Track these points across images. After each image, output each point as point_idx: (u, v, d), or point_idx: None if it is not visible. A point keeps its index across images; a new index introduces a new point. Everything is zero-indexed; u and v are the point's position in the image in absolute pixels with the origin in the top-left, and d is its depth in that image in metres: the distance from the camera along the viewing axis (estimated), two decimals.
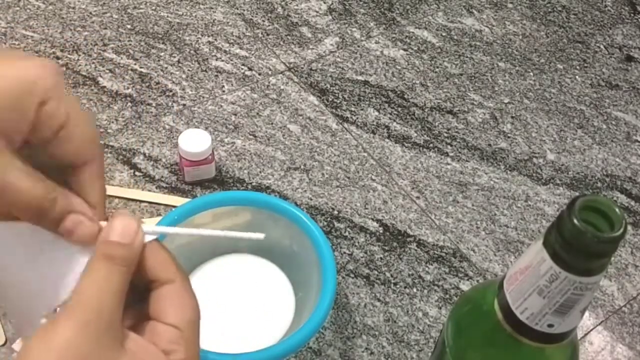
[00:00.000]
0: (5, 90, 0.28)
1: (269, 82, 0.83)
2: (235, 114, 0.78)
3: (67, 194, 0.31)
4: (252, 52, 0.86)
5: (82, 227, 0.31)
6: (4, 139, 0.28)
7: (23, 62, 0.29)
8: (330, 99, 0.81)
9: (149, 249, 0.32)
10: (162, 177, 0.70)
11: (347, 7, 0.96)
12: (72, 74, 0.80)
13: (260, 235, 0.34)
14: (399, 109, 0.82)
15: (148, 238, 0.32)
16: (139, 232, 0.31)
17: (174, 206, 0.67)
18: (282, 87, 0.82)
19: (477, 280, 0.65)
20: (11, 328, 0.57)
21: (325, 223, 0.68)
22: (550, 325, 0.34)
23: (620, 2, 1.03)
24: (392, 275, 0.65)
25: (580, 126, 0.83)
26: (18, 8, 0.88)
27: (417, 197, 0.72)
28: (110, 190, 0.68)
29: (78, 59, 0.82)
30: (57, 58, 0.82)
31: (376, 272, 0.65)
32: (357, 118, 0.80)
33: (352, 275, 0.64)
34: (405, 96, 0.83)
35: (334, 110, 0.80)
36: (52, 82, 0.30)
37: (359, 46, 0.90)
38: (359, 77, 0.85)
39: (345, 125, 0.79)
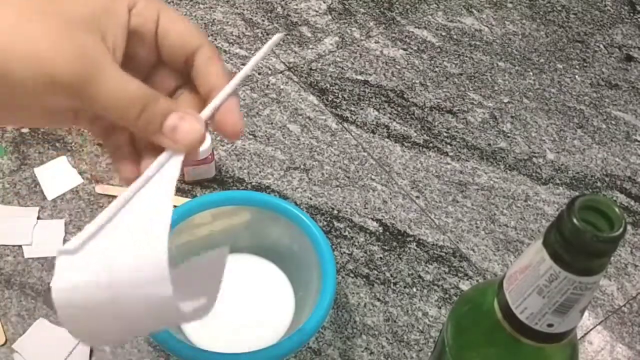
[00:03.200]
0: (88, 4, 0.29)
1: (269, 82, 0.83)
2: None
3: (169, 99, 0.30)
4: (252, 52, 0.86)
5: (184, 123, 0.29)
6: (105, 45, 0.28)
7: None
8: (330, 99, 0.81)
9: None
10: None
11: (346, 6, 0.96)
12: None
13: (279, 35, 0.33)
14: (399, 108, 0.82)
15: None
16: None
17: (174, 206, 0.67)
18: (281, 86, 0.82)
19: (477, 280, 0.65)
20: (11, 328, 0.57)
21: (325, 223, 0.68)
22: (549, 325, 0.34)
23: (620, 2, 1.03)
24: (391, 275, 0.65)
25: (580, 126, 0.83)
26: None
27: (417, 197, 0.72)
28: (111, 190, 0.68)
29: None
30: None
31: (376, 272, 0.65)
32: (357, 118, 0.80)
33: (351, 275, 0.64)
34: (405, 96, 0.83)
35: (333, 110, 0.80)
36: None
37: (358, 46, 0.90)
38: (359, 77, 0.85)
39: (345, 124, 0.79)
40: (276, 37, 0.32)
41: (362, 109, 0.81)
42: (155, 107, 0.29)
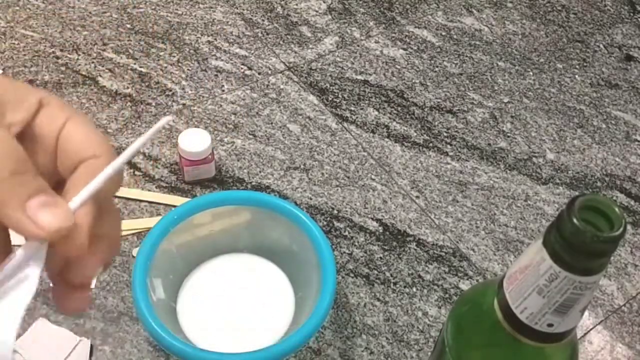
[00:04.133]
0: (6, 88, 0.27)
1: (269, 82, 0.83)
2: (235, 114, 0.78)
3: (44, 182, 0.27)
4: (252, 52, 0.86)
5: (53, 207, 0.26)
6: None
7: (23, 83, 0.29)
8: (329, 99, 0.81)
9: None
10: (162, 176, 0.70)
11: (346, 6, 0.96)
12: (71, 73, 0.80)
13: (167, 118, 0.30)
14: (399, 108, 0.82)
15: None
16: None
17: (173, 206, 0.67)
18: (281, 86, 0.82)
19: (477, 280, 0.65)
20: None
21: (325, 222, 0.68)
22: (549, 325, 0.34)
23: (620, 2, 1.03)
24: (391, 275, 0.65)
25: (579, 125, 0.83)
26: (18, 7, 0.88)
27: (417, 197, 0.72)
28: None
29: (78, 59, 0.82)
30: (57, 57, 0.82)
31: (376, 272, 0.65)
32: (357, 117, 0.80)
33: (351, 275, 0.64)
34: (405, 95, 0.83)
35: (333, 110, 0.80)
36: (50, 96, 0.29)
37: (358, 45, 0.90)
38: (359, 77, 0.85)
39: (345, 124, 0.79)
40: (163, 121, 0.30)
41: (362, 108, 0.81)
42: (24, 178, 0.26)
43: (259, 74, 0.83)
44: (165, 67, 0.83)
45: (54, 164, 0.29)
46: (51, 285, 0.29)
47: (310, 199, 0.70)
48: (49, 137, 0.29)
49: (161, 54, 0.84)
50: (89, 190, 0.27)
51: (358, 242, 0.67)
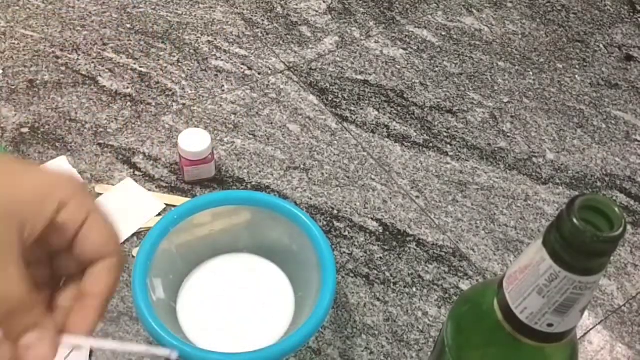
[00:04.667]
0: (27, 189, 0.30)
1: (269, 82, 0.83)
2: (235, 114, 0.78)
3: (42, 313, 0.31)
4: (252, 52, 0.86)
5: (39, 346, 0.30)
6: (19, 232, 0.29)
7: (41, 174, 0.32)
8: (329, 99, 0.81)
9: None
10: (162, 176, 0.70)
11: (346, 6, 0.96)
12: (71, 73, 0.80)
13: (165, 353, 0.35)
14: (399, 108, 0.82)
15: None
16: None
17: (173, 206, 0.67)
18: (281, 86, 0.82)
19: (477, 280, 0.65)
20: None
21: (325, 222, 0.68)
22: (549, 325, 0.34)
23: (620, 2, 1.03)
24: (391, 275, 0.65)
25: (579, 125, 0.83)
26: (18, 7, 0.88)
27: (417, 197, 0.72)
28: (110, 189, 0.68)
29: (78, 59, 0.82)
30: (57, 57, 0.82)
31: (376, 272, 0.65)
32: (357, 117, 0.80)
33: (351, 275, 0.64)
34: (405, 95, 0.83)
35: (333, 110, 0.80)
36: (71, 188, 0.32)
37: (358, 45, 0.90)
38: (359, 77, 0.85)
39: (345, 124, 0.79)
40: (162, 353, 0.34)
41: (362, 108, 0.81)
42: (22, 317, 0.30)
43: (259, 74, 0.83)
44: (165, 67, 0.83)
45: (68, 246, 0.32)
46: None
47: (310, 199, 0.70)
48: (68, 234, 0.32)
49: (161, 54, 0.84)
50: (85, 341, 0.32)
51: (358, 242, 0.67)
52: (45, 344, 0.31)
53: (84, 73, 0.80)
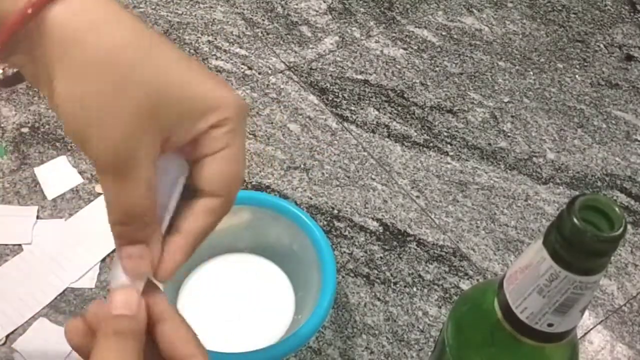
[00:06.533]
0: (192, 98, 0.29)
1: (269, 82, 0.82)
2: None
3: (158, 228, 0.30)
4: (252, 52, 0.86)
5: (138, 261, 0.30)
6: (163, 138, 0.28)
7: (214, 84, 0.30)
8: (330, 98, 0.81)
9: (169, 325, 0.31)
10: None
11: (346, 6, 0.96)
12: None
13: None
14: (399, 108, 0.82)
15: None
16: (142, 302, 0.30)
17: None
18: (282, 86, 0.82)
19: (477, 280, 0.65)
20: (9, 328, 0.57)
21: (325, 222, 0.68)
22: (550, 325, 0.34)
23: (620, 2, 1.03)
24: (392, 275, 0.65)
25: (580, 125, 0.83)
26: None
27: (417, 197, 0.72)
28: None
29: None
30: None
31: (376, 272, 0.65)
32: (357, 117, 0.80)
33: (352, 275, 0.64)
34: (405, 95, 0.83)
35: (333, 110, 0.80)
36: (233, 113, 0.30)
37: (358, 45, 0.90)
38: (359, 76, 0.85)
39: (345, 124, 0.79)
40: None
41: (362, 108, 0.81)
42: (137, 228, 0.29)
43: (259, 73, 0.83)
44: None
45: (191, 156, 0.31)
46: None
47: (311, 198, 0.70)
48: (198, 153, 0.30)
49: None
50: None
51: (358, 241, 0.67)
52: (144, 263, 0.30)
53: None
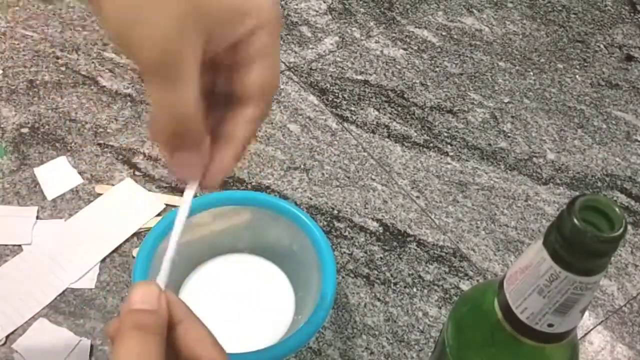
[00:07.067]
0: (232, 1, 0.29)
1: None
2: None
3: (207, 136, 0.30)
4: None
5: (188, 168, 0.30)
6: (204, 45, 0.28)
7: None
8: (330, 99, 0.81)
9: (186, 326, 0.30)
10: (162, 176, 0.70)
11: (346, 6, 0.95)
12: (71, 73, 0.80)
13: None
14: (399, 108, 0.82)
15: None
16: (162, 295, 0.30)
17: (173, 206, 0.67)
18: (281, 86, 0.82)
19: (477, 280, 0.65)
20: (9, 328, 0.57)
21: (325, 223, 0.68)
22: (550, 325, 0.34)
23: (620, 2, 1.03)
24: (392, 275, 0.65)
25: (580, 126, 0.83)
26: (18, 8, 0.88)
27: (417, 197, 0.72)
28: (110, 190, 0.68)
29: (78, 59, 0.82)
30: (57, 57, 0.82)
31: (376, 272, 0.65)
32: (357, 118, 0.80)
33: (352, 275, 0.64)
34: (405, 96, 0.83)
35: (333, 110, 0.80)
36: (271, 19, 0.30)
37: (358, 46, 0.90)
38: (359, 77, 0.85)
39: (345, 124, 0.79)
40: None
41: (362, 109, 0.81)
42: (187, 135, 0.29)
43: None
44: None
45: (227, 71, 0.31)
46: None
47: (311, 199, 0.70)
48: (239, 59, 0.31)
49: None
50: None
51: (358, 242, 0.67)
52: (195, 170, 0.30)
53: (84, 73, 0.80)
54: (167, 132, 0.29)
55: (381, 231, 0.68)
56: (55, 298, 0.59)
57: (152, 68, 0.28)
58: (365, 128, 0.78)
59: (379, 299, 0.63)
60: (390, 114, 0.81)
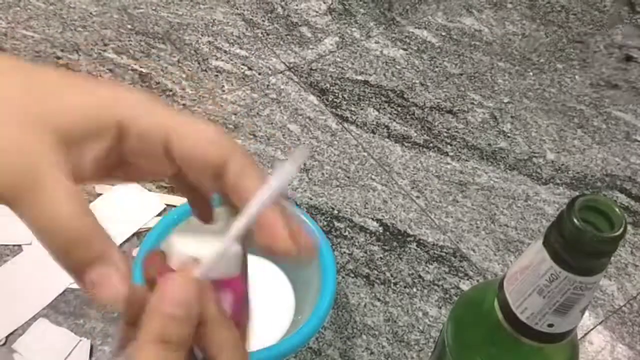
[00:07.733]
0: (84, 105, 0.26)
1: (269, 82, 0.83)
2: (235, 114, 0.78)
3: (108, 240, 0.26)
4: (252, 52, 0.86)
5: (109, 285, 0.25)
6: (68, 148, 0.25)
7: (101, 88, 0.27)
8: (330, 99, 0.81)
9: (209, 328, 0.26)
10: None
11: (346, 7, 0.96)
12: (72, 74, 0.80)
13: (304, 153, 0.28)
14: (399, 108, 0.82)
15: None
16: (199, 295, 0.25)
17: (173, 206, 0.67)
18: (282, 86, 0.82)
19: (477, 280, 0.65)
20: (10, 328, 0.57)
21: (325, 223, 0.68)
22: (550, 325, 0.34)
23: (620, 2, 1.03)
24: (392, 275, 0.65)
25: (580, 126, 0.83)
26: (19, 8, 0.88)
27: (417, 197, 0.72)
28: (111, 190, 0.68)
29: (78, 59, 0.82)
30: (58, 58, 0.82)
31: (376, 272, 0.65)
32: (357, 118, 0.80)
33: (352, 275, 0.64)
34: (405, 96, 0.83)
35: (333, 110, 0.80)
36: (133, 100, 0.27)
37: (358, 46, 0.90)
38: (359, 77, 0.85)
39: (345, 125, 0.79)
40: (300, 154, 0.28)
41: (362, 109, 0.81)
42: (78, 251, 0.25)
43: (260, 74, 0.83)
44: (166, 68, 0.83)
45: (172, 168, 0.28)
46: None
47: (311, 199, 0.70)
48: (153, 147, 0.27)
49: (162, 54, 0.84)
50: (249, 215, 0.28)
51: (358, 242, 0.67)
52: (112, 280, 0.25)
53: (84, 73, 0.80)
54: (57, 254, 0.26)
55: (381, 231, 0.68)
56: (55, 298, 0.59)
57: (7, 191, 0.25)
58: (365, 128, 0.78)
59: (379, 299, 0.63)
60: (390, 114, 0.81)
